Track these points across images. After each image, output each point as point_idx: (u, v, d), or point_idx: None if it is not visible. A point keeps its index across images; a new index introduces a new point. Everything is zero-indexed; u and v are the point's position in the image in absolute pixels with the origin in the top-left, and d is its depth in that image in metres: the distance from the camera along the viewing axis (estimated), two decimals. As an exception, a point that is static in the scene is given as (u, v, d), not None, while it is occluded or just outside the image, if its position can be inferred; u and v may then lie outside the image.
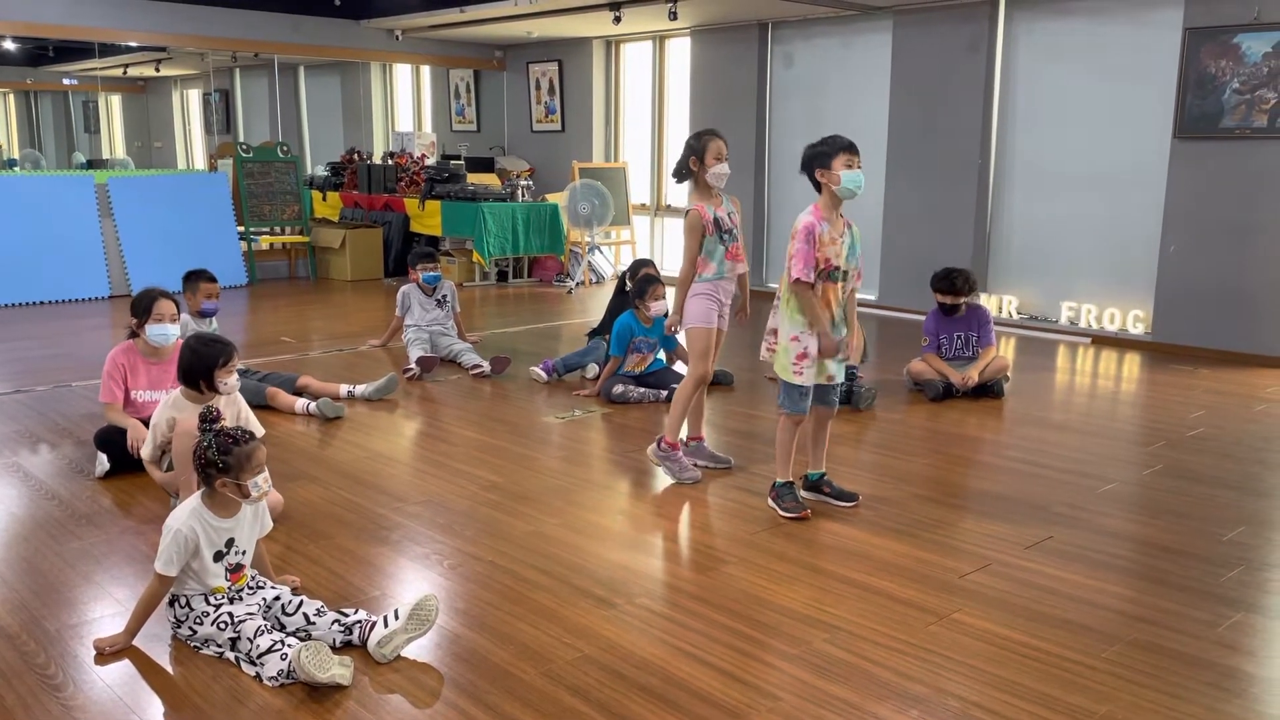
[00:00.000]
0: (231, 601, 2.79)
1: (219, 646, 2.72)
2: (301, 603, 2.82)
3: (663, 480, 4.23)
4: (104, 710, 2.47)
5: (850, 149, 3.66)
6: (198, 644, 2.76)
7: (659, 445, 4.29)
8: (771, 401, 5.55)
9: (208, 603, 2.76)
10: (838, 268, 3.72)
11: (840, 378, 3.87)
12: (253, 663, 2.63)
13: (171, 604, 2.80)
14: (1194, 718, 2.47)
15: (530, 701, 2.51)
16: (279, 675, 2.57)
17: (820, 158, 3.68)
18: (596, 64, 11.00)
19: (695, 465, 4.33)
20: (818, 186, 3.73)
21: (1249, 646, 2.85)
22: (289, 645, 2.61)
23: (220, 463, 2.77)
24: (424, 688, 2.58)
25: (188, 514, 2.77)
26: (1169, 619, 3.00)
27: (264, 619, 2.75)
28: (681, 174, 4.13)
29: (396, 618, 2.71)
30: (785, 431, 3.85)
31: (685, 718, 2.45)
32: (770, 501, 3.88)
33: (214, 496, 2.81)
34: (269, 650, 2.61)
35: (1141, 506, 4.05)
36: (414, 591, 3.16)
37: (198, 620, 2.75)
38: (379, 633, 2.70)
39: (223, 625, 2.71)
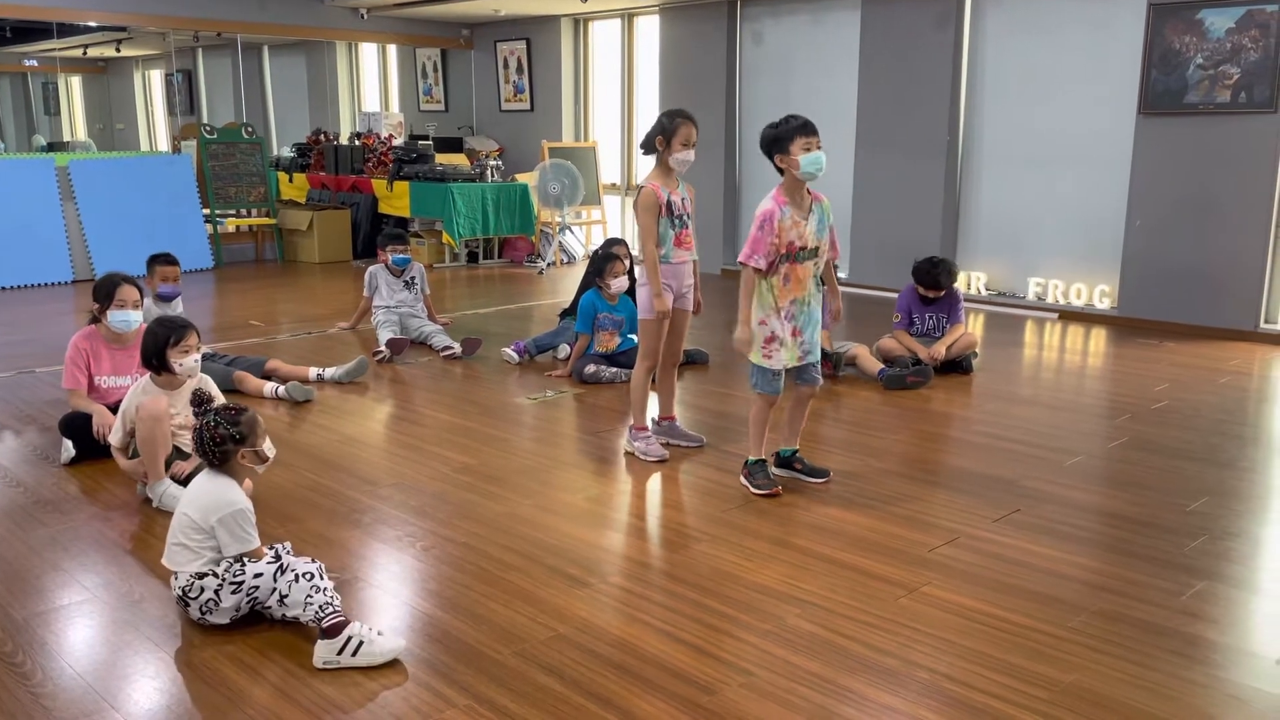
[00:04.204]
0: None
1: (249, 600, 2.73)
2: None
3: (634, 460, 4.24)
4: (73, 699, 2.45)
5: (806, 130, 3.62)
6: (220, 612, 2.75)
7: (629, 431, 4.32)
8: (745, 380, 5.57)
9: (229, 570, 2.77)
10: (804, 248, 3.70)
11: (816, 355, 3.86)
12: (283, 602, 2.68)
13: (201, 577, 2.76)
14: (1158, 685, 2.52)
15: (504, 681, 2.52)
16: (322, 607, 2.62)
17: (778, 142, 3.65)
18: (565, 42, 10.93)
19: (667, 444, 4.35)
20: (780, 169, 3.71)
21: (1212, 614, 2.91)
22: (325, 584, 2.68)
23: (236, 434, 2.82)
24: (396, 669, 2.58)
25: (235, 490, 2.82)
26: (1134, 589, 3.05)
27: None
28: (648, 148, 4.12)
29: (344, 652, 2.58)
30: (759, 411, 3.85)
31: (659, 694, 2.46)
32: (742, 479, 3.90)
33: (233, 474, 2.86)
34: (304, 581, 2.67)
35: (1107, 479, 4.10)
36: (386, 574, 3.15)
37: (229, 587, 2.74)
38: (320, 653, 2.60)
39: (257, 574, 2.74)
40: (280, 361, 5.54)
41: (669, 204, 4.06)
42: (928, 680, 2.53)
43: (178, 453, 3.76)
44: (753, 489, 3.82)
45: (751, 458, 3.89)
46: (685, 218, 4.15)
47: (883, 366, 5.53)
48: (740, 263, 3.70)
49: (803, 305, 3.76)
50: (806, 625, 2.81)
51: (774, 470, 3.95)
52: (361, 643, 2.56)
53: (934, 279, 5.69)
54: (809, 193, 3.74)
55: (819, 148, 3.64)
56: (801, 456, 4.00)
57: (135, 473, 3.71)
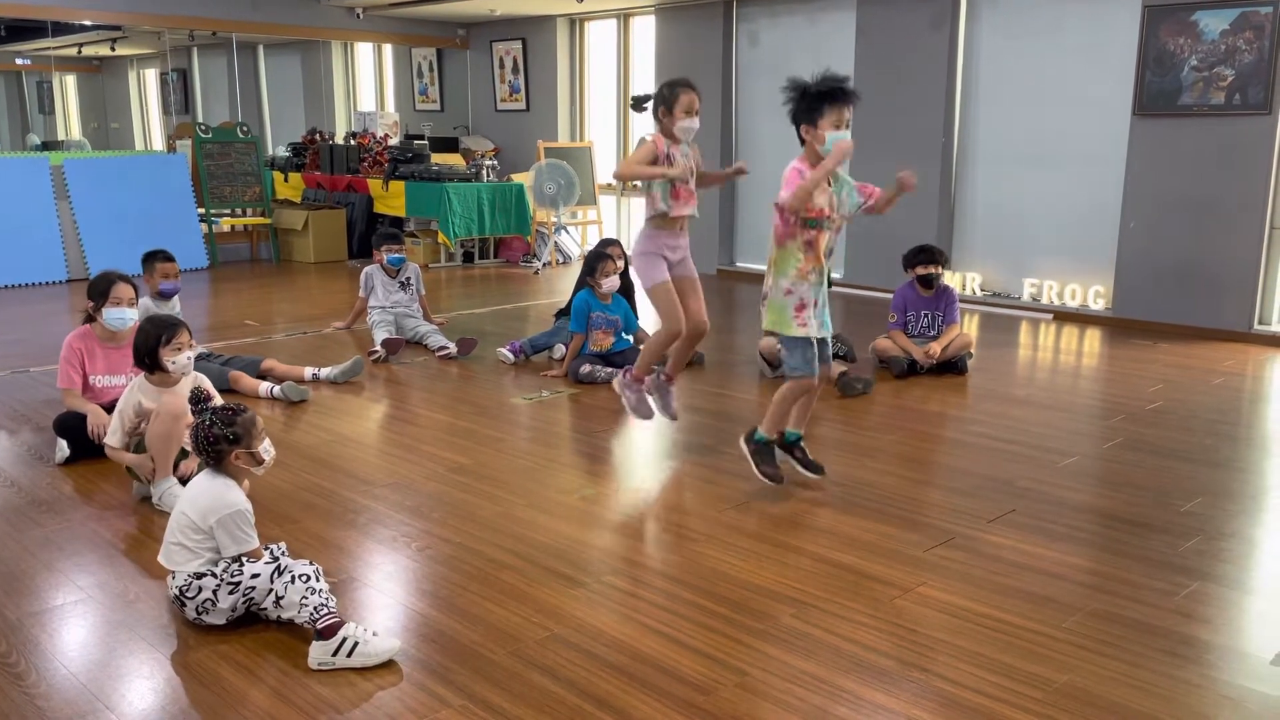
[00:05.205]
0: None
1: (245, 600, 2.71)
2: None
3: (630, 460, 4.24)
4: (68, 699, 2.45)
5: (841, 101, 3.45)
6: (217, 612, 2.73)
7: (624, 374, 4.28)
8: (742, 381, 5.58)
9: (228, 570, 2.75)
10: (827, 216, 3.59)
11: (829, 332, 3.74)
12: (279, 603, 2.66)
13: (200, 577, 2.74)
14: (1151, 685, 2.52)
15: (499, 681, 2.52)
16: (317, 608, 2.61)
17: (808, 114, 3.49)
18: (561, 42, 10.93)
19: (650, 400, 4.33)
20: (802, 140, 3.57)
21: (1205, 615, 2.92)
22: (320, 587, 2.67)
23: (230, 435, 2.81)
24: (391, 669, 2.57)
25: (235, 491, 2.80)
26: (1128, 589, 3.06)
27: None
28: (638, 107, 4.02)
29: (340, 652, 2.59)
30: (790, 390, 3.69)
31: (654, 694, 2.46)
32: (744, 448, 3.81)
33: (232, 474, 2.84)
34: (300, 583, 2.65)
35: (1102, 479, 4.11)
36: (381, 574, 3.15)
37: (227, 589, 2.73)
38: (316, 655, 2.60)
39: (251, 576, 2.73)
40: (275, 361, 5.53)
41: (669, 156, 3.94)
42: (922, 680, 2.54)
43: (180, 452, 3.75)
44: (756, 470, 3.74)
45: (761, 433, 3.77)
46: (689, 176, 4.01)
47: (844, 370, 5.37)
48: (777, 205, 3.50)
49: (820, 277, 3.64)
50: (802, 625, 2.81)
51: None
52: (356, 643, 2.56)
53: (929, 254, 5.70)
54: None
55: (848, 125, 3.48)
56: (805, 446, 3.92)
57: (142, 467, 3.67)
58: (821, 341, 3.73)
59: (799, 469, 3.90)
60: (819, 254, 3.63)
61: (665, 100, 3.95)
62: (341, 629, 2.57)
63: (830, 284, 3.77)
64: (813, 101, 3.48)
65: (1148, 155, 7.00)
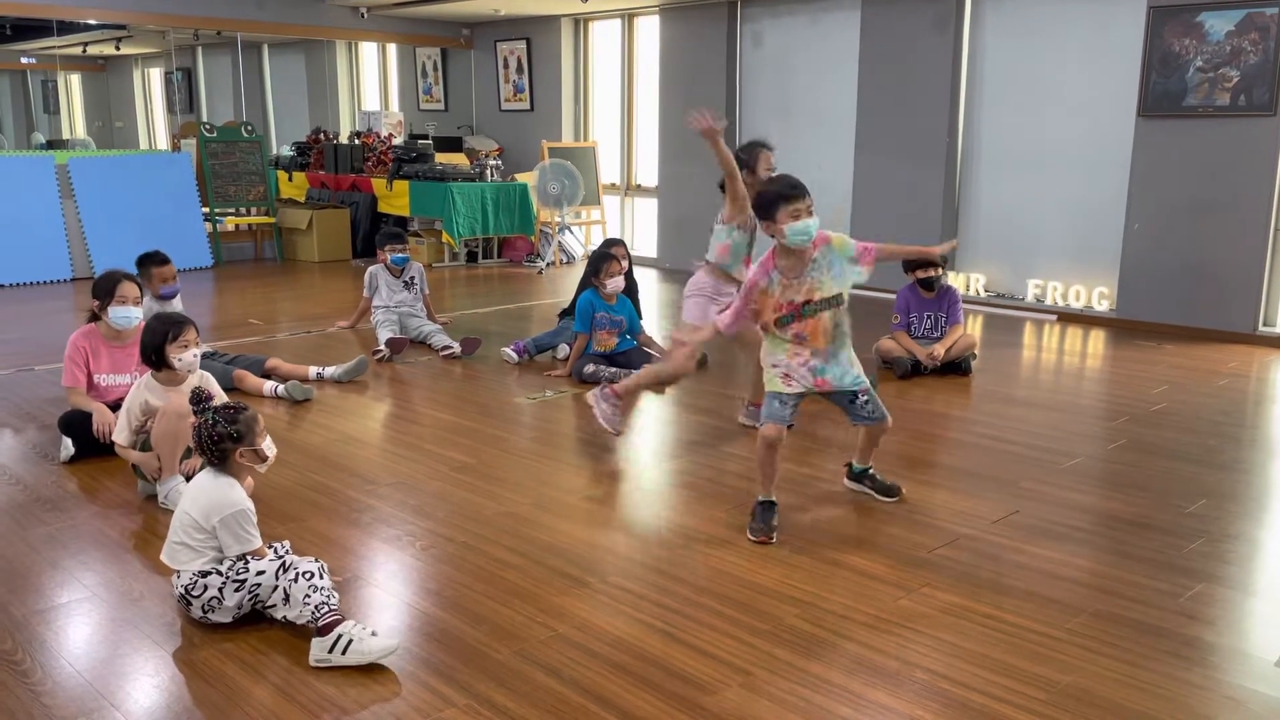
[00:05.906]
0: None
1: (251, 598, 2.72)
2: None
3: (633, 460, 4.24)
4: (73, 697, 2.46)
5: (791, 197, 3.38)
6: (223, 610, 2.74)
7: (603, 388, 4.35)
8: (744, 382, 5.57)
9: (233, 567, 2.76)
10: (809, 301, 3.42)
11: (847, 382, 3.53)
12: (287, 601, 2.67)
13: (205, 575, 2.75)
14: (1155, 686, 2.52)
15: (503, 681, 2.52)
16: (318, 606, 2.61)
17: (762, 211, 3.47)
18: (565, 42, 10.93)
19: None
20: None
21: (1209, 616, 2.91)
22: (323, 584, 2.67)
23: (234, 433, 2.82)
24: (395, 668, 2.58)
25: (237, 490, 2.81)
26: (1131, 590, 3.06)
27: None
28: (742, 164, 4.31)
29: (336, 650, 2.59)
30: (764, 446, 3.47)
31: (657, 694, 2.47)
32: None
33: (234, 473, 2.85)
34: (304, 580, 2.65)
35: (1105, 481, 4.11)
36: (385, 573, 3.16)
37: (233, 586, 2.74)
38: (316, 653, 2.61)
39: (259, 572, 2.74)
40: (280, 360, 5.54)
41: (754, 229, 4.19)
42: (925, 681, 2.54)
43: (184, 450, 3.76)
44: (749, 530, 3.49)
45: (761, 495, 3.53)
46: (753, 246, 4.25)
47: None
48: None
49: (828, 357, 3.50)
50: (805, 625, 2.82)
51: (848, 483, 3.86)
52: (351, 641, 2.56)
53: (927, 258, 5.69)
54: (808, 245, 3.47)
55: (809, 213, 3.39)
56: (875, 474, 3.84)
57: (147, 465, 3.69)
58: (859, 394, 3.58)
59: (877, 497, 3.78)
60: (817, 336, 3.46)
61: (746, 164, 4.37)
62: (338, 626, 2.58)
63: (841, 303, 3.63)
64: (765, 201, 3.48)
65: (1152, 156, 7.00)
